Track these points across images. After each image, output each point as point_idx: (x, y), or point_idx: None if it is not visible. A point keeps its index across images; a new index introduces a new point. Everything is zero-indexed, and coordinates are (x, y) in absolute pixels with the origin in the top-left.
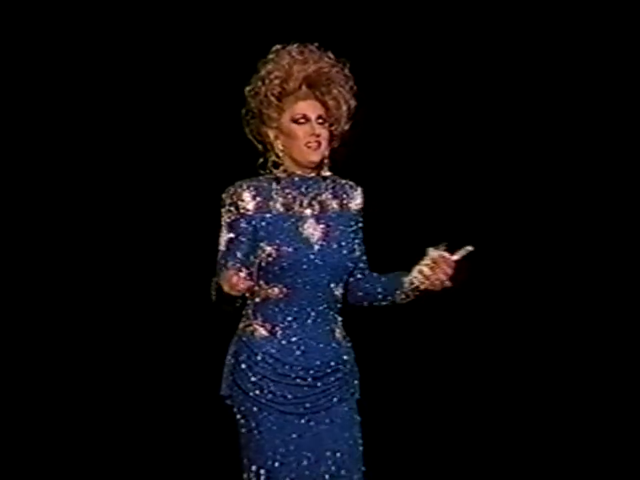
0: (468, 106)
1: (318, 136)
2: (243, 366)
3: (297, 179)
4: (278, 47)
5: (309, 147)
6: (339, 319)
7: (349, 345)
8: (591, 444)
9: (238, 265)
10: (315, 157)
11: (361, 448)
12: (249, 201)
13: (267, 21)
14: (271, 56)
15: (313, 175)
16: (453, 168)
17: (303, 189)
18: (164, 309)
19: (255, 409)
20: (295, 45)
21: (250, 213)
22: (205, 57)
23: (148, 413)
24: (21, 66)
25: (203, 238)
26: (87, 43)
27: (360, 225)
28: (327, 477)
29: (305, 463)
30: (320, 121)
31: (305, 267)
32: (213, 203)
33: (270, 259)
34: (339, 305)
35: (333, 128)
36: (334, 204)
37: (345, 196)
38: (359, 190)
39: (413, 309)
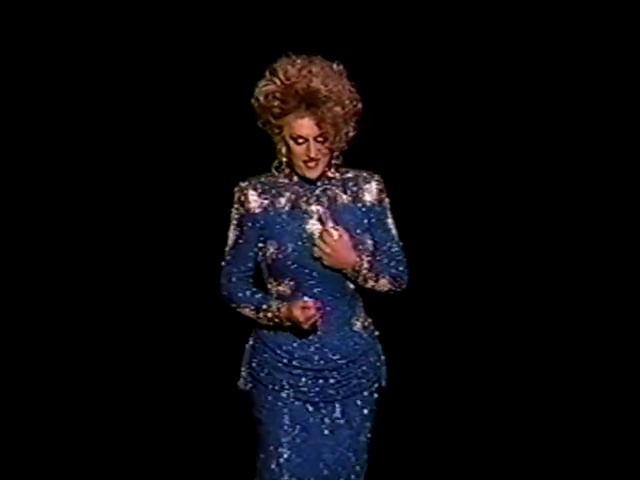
0: (464, 108)
1: (314, 158)
2: (260, 359)
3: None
4: (282, 60)
5: (306, 165)
6: (359, 310)
7: (373, 335)
8: (590, 443)
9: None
10: (312, 175)
11: (366, 440)
12: (254, 200)
13: (272, 20)
14: (272, 72)
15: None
16: (453, 167)
17: (310, 185)
18: (182, 304)
19: (271, 401)
20: (299, 60)
21: (255, 212)
22: (211, 51)
23: (164, 408)
24: (23, 66)
25: (212, 234)
26: (92, 42)
27: (380, 216)
28: (338, 468)
29: (321, 454)
30: (319, 139)
31: (309, 264)
32: (222, 199)
33: (275, 257)
34: (357, 297)
35: (332, 145)
36: (344, 197)
37: (356, 188)
38: (374, 181)
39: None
